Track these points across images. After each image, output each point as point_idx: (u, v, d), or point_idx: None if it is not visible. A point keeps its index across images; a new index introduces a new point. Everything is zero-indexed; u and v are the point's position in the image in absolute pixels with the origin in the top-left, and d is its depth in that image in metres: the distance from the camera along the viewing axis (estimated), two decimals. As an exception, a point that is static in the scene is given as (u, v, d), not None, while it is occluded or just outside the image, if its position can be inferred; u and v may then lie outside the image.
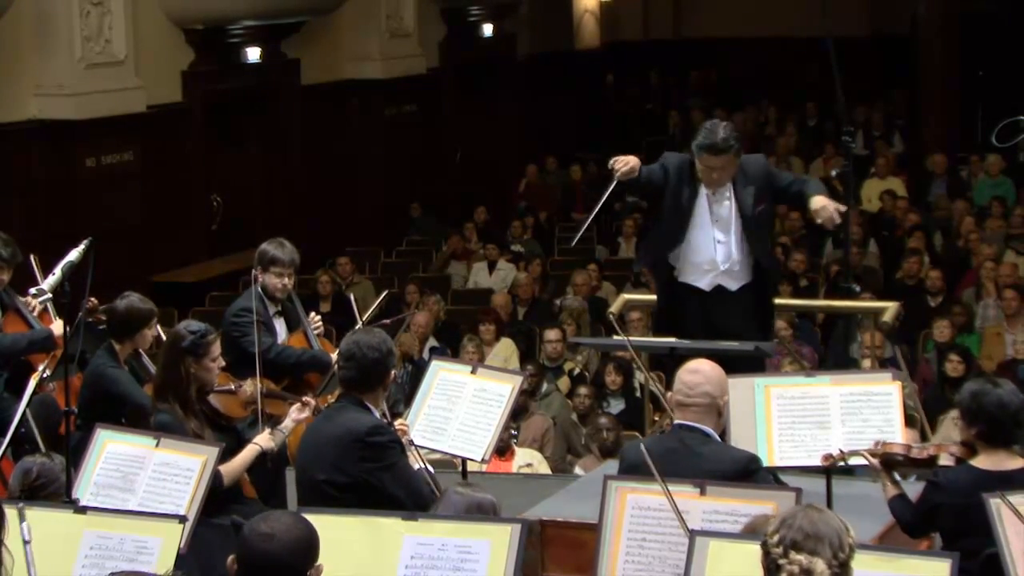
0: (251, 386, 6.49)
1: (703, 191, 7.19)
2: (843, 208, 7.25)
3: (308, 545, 3.91)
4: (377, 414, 5.59)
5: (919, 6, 19.29)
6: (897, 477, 5.73)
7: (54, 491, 5.13)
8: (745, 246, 7.22)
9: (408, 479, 5.53)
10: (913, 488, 5.69)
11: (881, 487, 5.58)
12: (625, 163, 6.99)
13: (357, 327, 6.90)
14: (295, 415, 6.25)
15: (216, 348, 6.14)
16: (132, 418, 6.45)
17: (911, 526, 5.51)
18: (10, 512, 4.22)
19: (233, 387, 6.48)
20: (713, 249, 7.20)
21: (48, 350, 6.81)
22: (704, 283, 7.26)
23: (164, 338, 6.58)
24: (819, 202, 7.08)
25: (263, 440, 6.12)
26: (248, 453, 6.09)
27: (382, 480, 5.42)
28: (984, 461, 5.33)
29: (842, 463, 5.63)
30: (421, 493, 5.54)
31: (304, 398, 6.40)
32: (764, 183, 7.24)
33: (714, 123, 7.24)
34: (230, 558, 3.93)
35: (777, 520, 3.85)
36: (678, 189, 7.22)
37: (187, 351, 6.04)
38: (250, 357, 6.75)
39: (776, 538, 3.79)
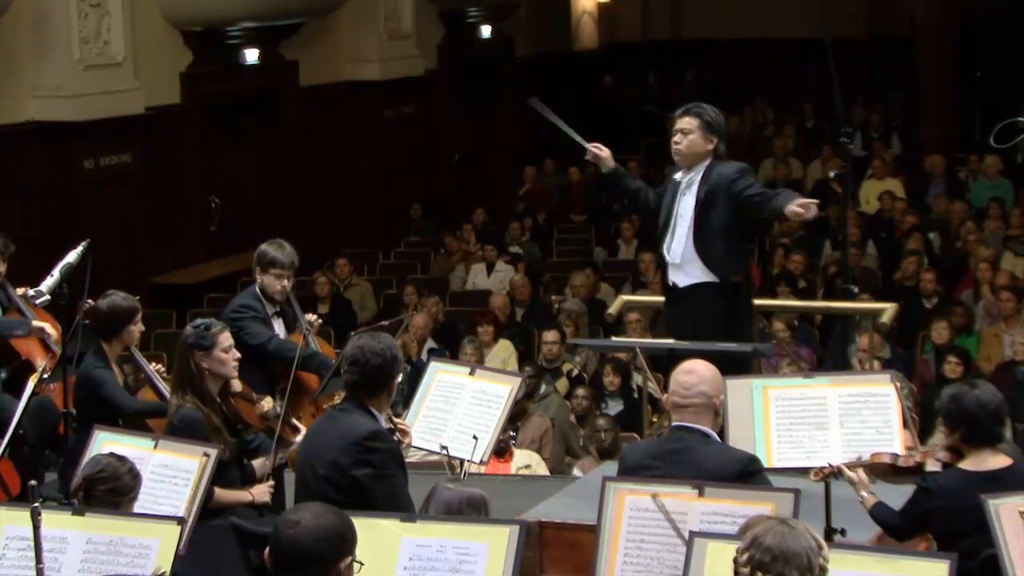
0: (268, 404, 6.47)
1: (678, 189, 7.25)
2: (815, 202, 7.09)
3: (337, 534, 3.86)
4: (382, 419, 5.55)
5: (918, 7, 19.29)
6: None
7: (112, 489, 5.08)
8: (692, 245, 7.21)
9: (398, 499, 5.37)
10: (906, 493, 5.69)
11: (860, 500, 5.57)
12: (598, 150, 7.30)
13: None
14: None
15: (224, 339, 6.14)
16: (128, 424, 6.43)
17: (898, 529, 5.48)
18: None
19: (255, 397, 6.45)
20: (671, 242, 7.26)
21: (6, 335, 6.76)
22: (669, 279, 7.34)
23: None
24: (795, 208, 6.95)
25: (260, 493, 6.12)
26: (240, 495, 6.08)
27: (374, 488, 5.33)
28: (970, 463, 5.34)
29: (835, 477, 5.63)
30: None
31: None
32: (723, 188, 7.17)
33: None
34: (266, 549, 3.90)
35: (749, 537, 3.78)
36: (662, 192, 7.38)
37: (193, 346, 6.07)
38: (251, 351, 6.77)
39: (745, 557, 3.73)
